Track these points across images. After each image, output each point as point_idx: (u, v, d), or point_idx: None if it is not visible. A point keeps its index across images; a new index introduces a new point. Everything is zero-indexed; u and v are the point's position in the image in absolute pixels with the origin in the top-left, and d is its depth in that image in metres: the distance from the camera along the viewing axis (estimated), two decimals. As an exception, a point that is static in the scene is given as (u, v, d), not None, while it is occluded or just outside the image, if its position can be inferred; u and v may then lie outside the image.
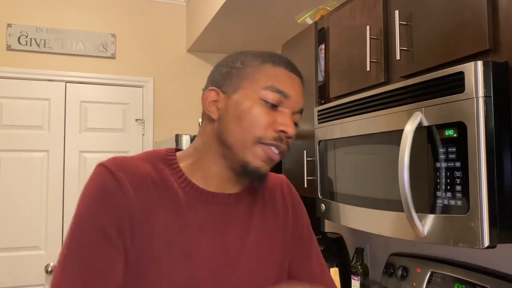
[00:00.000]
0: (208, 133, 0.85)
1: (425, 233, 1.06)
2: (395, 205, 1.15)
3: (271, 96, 0.80)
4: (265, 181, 0.84)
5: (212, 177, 0.84)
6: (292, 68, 0.85)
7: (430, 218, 1.05)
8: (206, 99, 0.84)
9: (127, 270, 0.75)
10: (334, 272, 1.01)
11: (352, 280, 1.76)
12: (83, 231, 0.73)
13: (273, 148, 0.81)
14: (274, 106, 0.81)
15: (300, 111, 0.86)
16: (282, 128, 0.80)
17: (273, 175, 0.98)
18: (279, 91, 0.81)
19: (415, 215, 1.05)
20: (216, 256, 0.80)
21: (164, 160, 0.84)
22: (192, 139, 2.22)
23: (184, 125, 3.12)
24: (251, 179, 0.83)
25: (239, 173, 0.82)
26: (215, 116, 0.83)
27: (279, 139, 0.81)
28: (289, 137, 0.82)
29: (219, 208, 0.83)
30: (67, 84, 2.88)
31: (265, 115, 0.80)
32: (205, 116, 0.86)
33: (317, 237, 1.95)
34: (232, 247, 0.83)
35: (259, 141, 0.80)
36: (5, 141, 2.73)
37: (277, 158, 0.82)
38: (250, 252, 0.85)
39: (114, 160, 0.79)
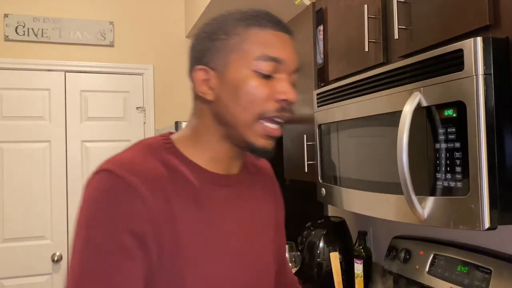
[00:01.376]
0: (206, 114, 0.80)
1: (425, 215, 1.04)
2: (396, 188, 1.13)
3: (264, 66, 0.74)
4: (270, 156, 0.81)
5: (221, 159, 0.81)
6: (280, 25, 0.78)
7: (430, 201, 1.03)
8: (196, 80, 0.78)
9: (158, 277, 0.70)
10: (334, 257, 1.00)
11: (355, 264, 1.75)
12: (96, 245, 0.65)
13: (274, 125, 0.77)
14: (269, 76, 0.75)
15: (296, 71, 0.80)
16: (282, 96, 0.75)
17: (261, 160, 0.98)
18: (272, 59, 0.75)
19: (414, 198, 1.03)
20: (239, 241, 0.80)
21: (166, 149, 0.78)
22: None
23: (186, 111, 3.10)
24: (258, 155, 0.80)
25: (246, 150, 0.80)
26: (210, 97, 0.78)
27: (281, 109, 0.76)
28: (290, 103, 0.78)
29: (230, 190, 0.82)
30: (66, 73, 2.87)
31: (262, 87, 0.75)
32: (198, 97, 0.80)
33: (320, 221, 1.94)
34: (249, 229, 0.84)
35: (262, 117, 0.75)
36: (7, 132, 2.73)
37: (278, 133, 0.78)
38: (258, 232, 0.86)
39: (117, 163, 0.70)
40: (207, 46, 0.78)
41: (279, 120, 0.77)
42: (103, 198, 0.67)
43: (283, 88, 0.75)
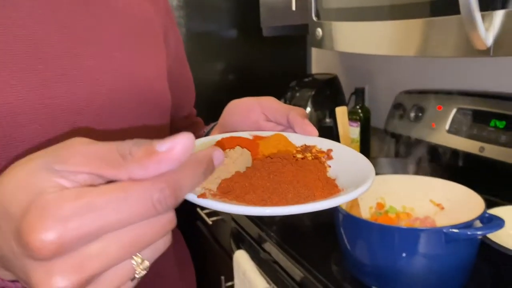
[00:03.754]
0: None
1: (490, 42, 0.69)
2: (430, 8, 0.77)
3: None
4: None
5: None
6: None
7: (498, 17, 0.68)
8: None
9: None
10: (342, 112, 0.68)
11: (350, 127, 1.45)
12: None
13: None
14: None
15: None
16: None
17: None
18: None
19: (477, 15, 0.68)
20: (64, 47, 0.52)
21: None
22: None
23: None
24: None
25: None
26: None
27: None
28: None
29: None
30: None
31: None
32: None
33: (307, 79, 1.60)
34: (84, 31, 0.54)
35: None
36: None
37: None
38: (116, 41, 0.58)
39: None
40: None
41: None
42: None
43: None
